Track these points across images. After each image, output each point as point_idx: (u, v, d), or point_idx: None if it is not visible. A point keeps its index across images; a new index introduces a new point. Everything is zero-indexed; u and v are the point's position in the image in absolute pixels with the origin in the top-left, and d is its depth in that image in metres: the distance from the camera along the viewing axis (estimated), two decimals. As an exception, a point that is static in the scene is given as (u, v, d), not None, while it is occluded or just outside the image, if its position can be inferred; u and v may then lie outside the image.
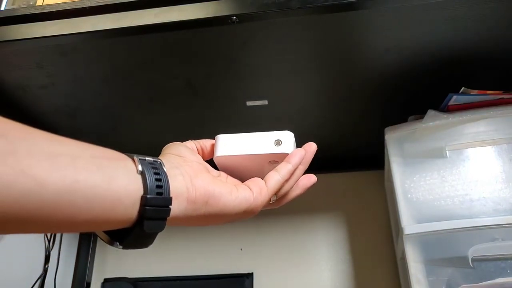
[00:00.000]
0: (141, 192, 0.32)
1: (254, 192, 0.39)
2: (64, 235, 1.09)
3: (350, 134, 0.96)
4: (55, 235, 1.05)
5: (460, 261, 0.68)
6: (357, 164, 1.07)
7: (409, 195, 0.73)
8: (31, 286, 0.97)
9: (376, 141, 0.85)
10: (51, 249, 1.04)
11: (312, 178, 0.45)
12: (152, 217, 0.32)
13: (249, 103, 0.82)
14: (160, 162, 0.35)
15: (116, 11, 0.63)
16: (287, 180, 0.41)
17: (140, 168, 0.33)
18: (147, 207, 0.32)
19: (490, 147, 0.72)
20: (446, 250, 0.70)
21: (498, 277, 0.65)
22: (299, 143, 0.44)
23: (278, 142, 0.42)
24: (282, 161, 0.42)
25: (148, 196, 0.32)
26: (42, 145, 0.27)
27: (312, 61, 0.72)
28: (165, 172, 0.34)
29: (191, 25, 0.62)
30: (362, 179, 1.08)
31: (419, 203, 0.72)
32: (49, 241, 1.04)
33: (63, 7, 0.63)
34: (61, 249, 1.07)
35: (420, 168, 0.74)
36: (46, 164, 0.27)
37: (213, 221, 0.38)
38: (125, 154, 0.34)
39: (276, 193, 0.41)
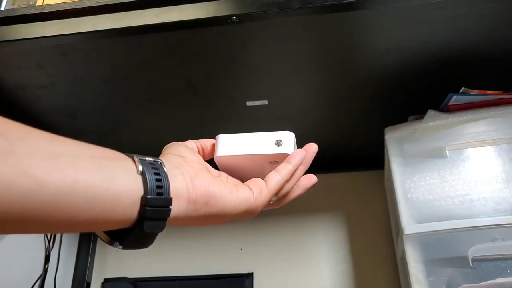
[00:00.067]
0: (141, 192, 0.32)
1: (254, 193, 0.39)
2: (64, 235, 1.09)
3: (350, 134, 0.96)
4: (55, 235, 1.05)
5: (460, 261, 0.68)
6: (357, 164, 1.07)
7: (409, 195, 0.73)
8: (31, 286, 0.97)
9: (376, 141, 0.85)
10: (51, 249, 1.04)
11: (312, 179, 0.45)
12: (152, 218, 0.32)
13: (249, 103, 0.82)
14: (160, 162, 0.35)
15: (116, 11, 0.63)
16: (287, 181, 0.41)
17: (140, 168, 0.33)
18: (147, 208, 0.32)
19: (490, 147, 0.72)
20: (446, 250, 0.70)
21: (498, 277, 0.65)
22: (299, 143, 0.44)
23: (278, 143, 0.42)
24: (282, 161, 0.42)
25: (148, 196, 0.32)
26: (42, 145, 0.27)
27: (312, 61, 0.72)
28: (165, 173, 0.34)
29: (191, 25, 0.62)
30: (362, 179, 1.08)
31: (419, 203, 0.72)
32: (49, 241, 1.04)
33: (63, 7, 0.63)
34: (61, 249, 1.07)
35: (420, 168, 0.74)
36: (46, 164, 0.27)
37: (213, 221, 0.38)
38: (126, 154, 0.34)
39: (276, 194, 0.41)
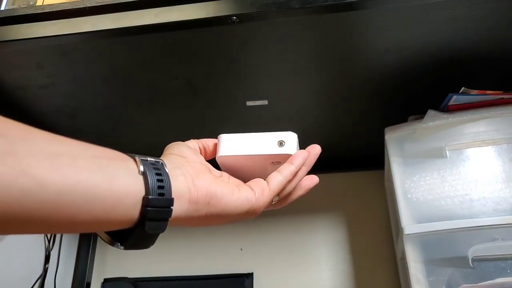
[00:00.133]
0: (142, 192, 0.32)
1: (256, 193, 0.38)
2: (64, 235, 1.09)
3: (350, 134, 0.96)
4: (55, 235, 1.05)
5: (460, 261, 0.68)
6: (357, 164, 1.07)
7: (409, 195, 0.73)
8: (31, 286, 0.97)
9: (376, 141, 0.85)
10: (51, 249, 1.04)
11: (314, 179, 0.45)
12: (153, 218, 0.32)
13: (249, 103, 0.82)
14: (161, 163, 0.35)
15: (116, 11, 0.63)
16: (289, 181, 0.41)
17: (141, 168, 0.33)
18: (148, 208, 0.32)
19: (490, 147, 0.72)
20: (446, 250, 0.70)
21: (498, 277, 0.65)
22: (299, 143, 0.44)
23: (281, 143, 0.42)
24: (284, 162, 0.42)
25: (149, 197, 0.32)
26: (42, 144, 0.27)
27: (312, 61, 0.72)
28: (166, 173, 0.34)
29: (191, 25, 0.62)
30: (362, 179, 1.08)
31: (419, 203, 0.72)
32: (49, 241, 1.04)
33: (63, 7, 0.63)
34: (61, 249, 1.07)
35: (420, 168, 0.74)
36: (46, 164, 0.26)
37: (215, 221, 0.37)
38: (127, 155, 0.34)
39: (278, 194, 0.41)
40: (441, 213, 0.69)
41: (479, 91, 0.72)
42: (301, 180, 0.43)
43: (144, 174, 0.32)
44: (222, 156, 0.43)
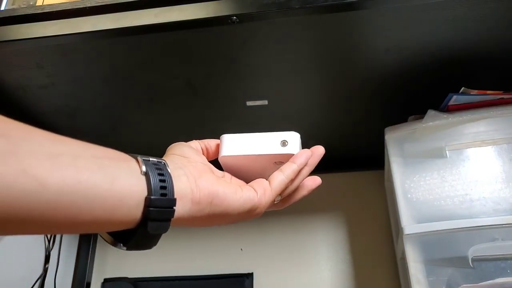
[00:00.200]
0: (145, 193, 0.32)
1: (258, 193, 0.38)
2: (64, 235, 1.09)
3: (350, 134, 0.96)
4: (55, 235, 1.05)
5: (460, 261, 0.68)
6: (357, 164, 1.07)
7: (409, 195, 0.73)
8: (31, 286, 0.97)
9: (376, 141, 0.85)
10: (51, 249, 1.04)
11: (317, 180, 0.45)
12: (156, 218, 0.32)
13: (249, 103, 0.82)
14: (164, 163, 0.35)
15: (116, 11, 0.62)
16: (292, 180, 0.41)
17: (144, 168, 0.32)
18: (151, 208, 0.31)
19: (490, 147, 0.72)
20: (446, 250, 0.70)
21: (498, 277, 0.65)
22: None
23: (284, 143, 0.42)
24: (287, 162, 0.42)
25: (152, 197, 0.32)
26: (43, 145, 0.27)
27: (312, 61, 0.72)
28: (169, 173, 0.34)
29: (191, 25, 0.62)
30: (362, 179, 1.08)
31: (419, 203, 0.72)
32: (49, 241, 1.04)
33: (63, 7, 0.63)
34: (61, 249, 1.07)
35: (420, 168, 0.74)
36: (47, 164, 0.26)
37: (217, 221, 0.37)
38: (129, 155, 0.34)
39: (280, 194, 0.41)
40: (441, 213, 0.69)
41: (479, 91, 0.72)
42: (303, 179, 0.43)
43: (146, 174, 0.32)
44: (225, 156, 0.43)
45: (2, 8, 0.73)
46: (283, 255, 1.05)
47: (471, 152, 0.72)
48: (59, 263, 1.06)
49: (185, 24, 0.61)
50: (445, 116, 0.74)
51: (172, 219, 0.33)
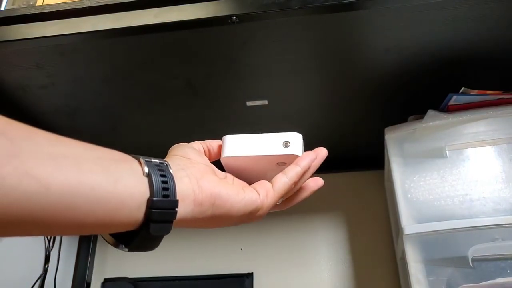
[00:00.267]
0: (147, 194, 0.32)
1: (260, 195, 0.38)
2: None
3: (350, 134, 0.96)
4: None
5: (460, 261, 0.68)
6: (357, 164, 1.07)
7: (409, 195, 0.73)
8: (31, 286, 0.97)
9: (376, 141, 0.85)
10: (51, 249, 1.04)
11: (319, 182, 0.45)
12: (158, 220, 0.32)
13: (249, 103, 0.81)
14: (166, 164, 0.35)
15: (116, 11, 0.62)
16: (295, 183, 0.40)
17: (146, 170, 0.32)
18: (153, 210, 0.31)
19: (490, 147, 0.72)
20: (446, 250, 0.70)
21: (498, 277, 0.65)
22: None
23: (286, 144, 0.42)
24: (289, 162, 0.41)
25: (154, 198, 0.31)
26: (45, 146, 0.27)
27: (312, 61, 0.72)
28: (171, 174, 0.34)
29: (191, 25, 0.62)
30: (362, 179, 1.08)
31: (419, 203, 0.72)
32: (49, 241, 1.04)
33: (63, 7, 0.63)
34: (61, 249, 1.07)
35: (420, 168, 0.74)
36: (50, 165, 0.26)
37: (219, 223, 0.37)
38: (131, 156, 0.34)
39: (282, 196, 0.41)
40: (441, 213, 0.69)
41: (479, 91, 0.72)
42: (305, 181, 0.43)
43: (148, 175, 0.32)
44: (227, 157, 0.42)
45: (2, 8, 0.73)
46: (283, 255, 1.05)
47: (471, 152, 0.72)
48: (59, 263, 1.06)
49: (185, 24, 0.61)
50: (445, 116, 0.74)
51: (174, 220, 0.33)
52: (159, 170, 0.33)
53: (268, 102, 0.81)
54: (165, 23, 0.61)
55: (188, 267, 1.08)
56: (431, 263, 0.70)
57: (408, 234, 0.70)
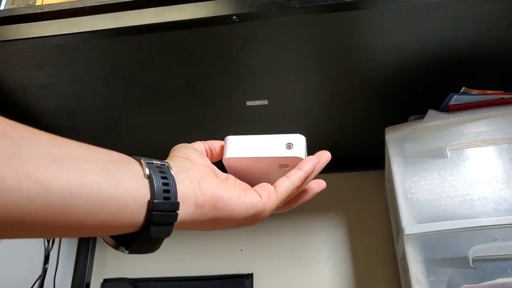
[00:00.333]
0: (148, 196, 0.31)
1: (263, 198, 0.38)
2: (64, 235, 1.09)
3: (350, 134, 0.96)
4: (54, 236, 1.05)
5: (460, 261, 0.68)
6: (357, 164, 1.07)
7: (409, 195, 0.73)
8: (31, 286, 0.97)
9: (376, 141, 0.85)
10: (51, 250, 1.04)
11: (321, 184, 0.45)
12: (159, 223, 0.32)
13: (249, 103, 0.81)
14: (167, 166, 0.35)
15: (115, 10, 0.62)
16: (298, 187, 0.40)
17: (147, 171, 0.32)
18: (154, 212, 0.31)
19: (490, 147, 0.72)
20: (447, 250, 0.70)
21: (498, 278, 0.65)
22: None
23: (289, 146, 0.41)
24: (292, 164, 0.41)
25: (155, 201, 0.31)
26: (46, 147, 0.27)
27: (312, 61, 0.72)
28: (172, 176, 0.34)
29: (190, 24, 0.61)
30: (362, 179, 1.08)
31: (419, 203, 0.72)
32: (48, 241, 1.04)
33: (62, 6, 0.63)
34: (61, 249, 1.07)
35: (421, 168, 0.74)
36: (51, 167, 0.26)
37: (220, 225, 0.37)
38: (132, 157, 0.34)
39: (284, 199, 0.40)
40: (441, 213, 0.69)
41: (479, 91, 0.72)
42: (307, 184, 0.43)
43: (149, 177, 0.32)
44: (229, 158, 0.42)
45: (2, 8, 0.72)
46: (283, 255, 1.05)
47: (471, 152, 0.72)
48: (59, 263, 1.05)
49: (184, 23, 0.61)
50: (445, 116, 0.74)
51: (175, 223, 0.33)
52: (160, 171, 0.33)
53: (268, 102, 0.81)
54: (165, 23, 0.61)
55: (188, 268, 1.08)
56: (432, 263, 0.70)
57: (408, 234, 0.70)
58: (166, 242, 0.35)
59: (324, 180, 0.46)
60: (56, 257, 1.05)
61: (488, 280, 0.65)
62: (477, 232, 0.66)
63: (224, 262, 1.07)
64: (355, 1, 0.57)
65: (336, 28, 0.64)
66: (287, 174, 0.40)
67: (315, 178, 0.43)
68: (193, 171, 0.37)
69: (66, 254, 1.10)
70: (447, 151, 0.73)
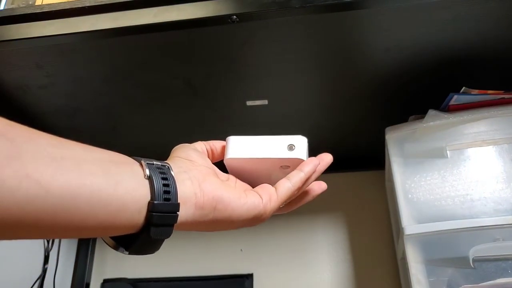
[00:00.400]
0: (148, 197, 0.31)
1: (263, 199, 0.38)
2: (64, 235, 1.09)
3: (350, 134, 0.96)
4: (54, 236, 1.05)
5: (461, 262, 0.68)
6: (357, 164, 1.07)
7: (409, 195, 0.73)
8: (30, 286, 0.97)
9: (377, 141, 0.85)
10: (50, 250, 1.03)
11: (322, 185, 0.45)
12: (159, 224, 0.32)
13: (249, 103, 0.81)
14: (168, 167, 0.35)
15: (115, 10, 0.62)
16: (299, 189, 0.40)
17: (147, 172, 0.32)
18: (154, 213, 0.31)
19: (490, 147, 0.72)
20: (447, 250, 0.70)
21: (499, 278, 0.65)
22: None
23: (291, 147, 0.41)
24: (293, 166, 0.41)
25: (155, 202, 0.31)
26: (46, 148, 0.27)
27: (312, 61, 0.72)
28: (173, 177, 0.34)
29: (190, 24, 0.61)
30: (362, 179, 1.08)
31: (419, 203, 0.72)
32: (48, 242, 1.04)
33: (62, 6, 0.63)
34: (60, 249, 1.07)
35: (421, 168, 0.74)
36: (51, 168, 0.26)
37: (220, 226, 0.37)
38: (133, 158, 0.34)
39: (285, 200, 0.40)
40: (441, 213, 0.69)
41: (479, 90, 0.72)
42: (308, 185, 0.43)
43: (150, 178, 0.32)
44: (230, 158, 0.42)
45: (1, 7, 0.72)
46: (283, 255, 1.05)
47: (471, 152, 0.72)
48: (58, 263, 1.05)
49: (184, 23, 0.61)
50: (445, 116, 0.74)
51: (175, 224, 0.33)
52: (161, 172, 0.33)
53: (268, 102, 0.81)
54: (165, 23, 0.61)
55: (188, 268, 1.08)
56: (432, 263, 0.70)
57: (408, 235, 0.70)
58: (166, 242, 0.35)
59: (325, 180, 0.46)
60: (56, 257, 1.05)
61: (489, 280, 0.65)
62: (478, 232, 0.66)
63: (224, 262, 1.07)
64: (355, 1, 0.57)
65: (336, 28, 0.64)
66: (288, 175, 0.40)
67: (316, 179, 0.43)
68: (193, 172, 0.36)
69: (66, 254, 1.10)
70: (447, 151, 0.73)
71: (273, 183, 0.40)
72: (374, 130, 0.84)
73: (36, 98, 0.80)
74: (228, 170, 0.43)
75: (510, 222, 0.64)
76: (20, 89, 0.77)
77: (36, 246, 1.02)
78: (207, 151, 0.43)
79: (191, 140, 0.44)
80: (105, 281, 1.10)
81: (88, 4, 0.62)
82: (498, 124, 0.72)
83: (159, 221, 0.32)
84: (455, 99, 0.73)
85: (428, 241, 0.70)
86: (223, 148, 0.43)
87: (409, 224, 0.70)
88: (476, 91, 0.72)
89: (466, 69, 0.74)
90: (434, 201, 0.70)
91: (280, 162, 0.42)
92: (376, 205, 1.04)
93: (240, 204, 0.36)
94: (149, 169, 0.32)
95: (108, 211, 0.29)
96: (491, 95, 0.72)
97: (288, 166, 0.42)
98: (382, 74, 0.74)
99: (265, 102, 0.81)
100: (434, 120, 0.74)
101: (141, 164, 0.33)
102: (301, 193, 0.43)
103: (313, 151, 0.44)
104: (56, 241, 1.06)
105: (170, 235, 0.33)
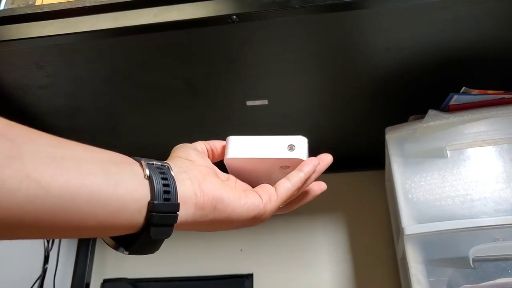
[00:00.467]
0: (148, 197, 0.31)
1: (263, 199, 0.38)
2: (64, 235, 1.09)
3: (350, 134, 0.96)
4: (54, 236, 1.05)
5: (461, 262, 0.68)
6: (357, 164, 1.07)
7: (409, 195, 0.73)
8: (30, 286, 0.97)
9: (377, 141, 0.85)
10: (50, 250, 1.03)
11: (322, 186, 0.45)
12: (159, 224, 0.32)
13: (249, 103, 0.81)
14: (168, 167, 0.35)
15: (115, 10, 0.62)
16: (298, 189, 0.40)
17: (147, 172, 0.32)
18: (154, 213, 0.31)
19: (490, 147, 0.72)
20: (447, 250, 0.70)
21: (499, 278, 0.65)
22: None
23: (291, 147, 0.41)
24: (293, 166, 0.41)
25: (155, 202, 0.31)
26: (47, 148, 0.27)
27: (312, 61, 0.72)
28: (173, 177, 0.34)
29: (190, 24, 0.61)
30: (362, 179, 1.08)
31: (419, 203, 0.72)
32: (48, 242, 1.04)
33: (62, 6, 0.63)
34: (60, 249, 1.07)
35: (421, 168, 0.74)
36: (51, 168, 0.26)
37: (220, 227, 0.37)
38: (133, 158, 0.34)
39: (285, 201, 0.40)
40: (441, 213, 0.69)
41: (480, 90, 0.72)
42: (308, 185, 0.43)
43: (149, 178, 0.32)
44: (231, 158, 0.42)
45: (1, 7, 0.72)
46: (283, 255, 1.05)
47: (471, 152, 0.72)
48: (58, 263, 1.05)
49: (184, 23, 0.61)
50: (445, 116, 0.74)
51: (175, 224, 0.33)
52: (161, 172, 0.33)
53: (268, 102, 0.81)
54: (165, 23, 0.61)
55: (188, 268, 1.08)
56: (432, 263, 0.70)
57: (408, 235, 0.70)
58: (166, 242, 0.35)
59: (325, 180, 0.46)
60: (56, 257, 1.05)
61: (489, 280, 0.65)
62: (478, 232, 0.66)
63: (224, 262, 1.07)
64: (355, 1, 0.57)
65: (336, 28, 0.64)
66: (287, 176, 0.40)
67: (316, 179, 0.43)
68: (193, 172, 0.36)
69: (66, 254, 1.10)
70: (447, 151, 0.73)
71: (273, 183, 0.40)
72: (374, 130, 0.84)
73: (36, 98, 0.80)
74: (228, 170, 0.43)
75: (510, 222, 0.64)
76: (20, 89, 0.77)
77: (36, 246, 1.02)
78: (207, 151, 0.43)
79: (191, 140, 0.44)
80: (105, 281, 1.10)
81: (88, 4, 0.62)
82: (498, 124, 0.72)
83: (159, 221, 0.32)
84: (455, 99, 0.73)
85: (428, 241, 0.70)
86: (223, 148, 0.43)
87: (409, 224, 0.71)
88: (476, 91, 0.72)
89: (466, 69, 0.74)
90: (434, 201, 0.70)
91: (280, 162, 0.42)
92: (376, 205, 1.04)
93: (240, 204, 0.36)
94: (149, 169, 0.32)
95: (108, 211, 0.29)
96: (491, 95, 0.72)
97: (288, 166, 0.42)
98: (382, 74, 0.74)
99: (265, 102, 0.81)
100: (434, 120, 0.74)
101: (141, 164, 0.33)
102: (301, 193, 0.43)
103: (313, 151, 0.44)
104: (56, 241, 1.06)
105: (170, 235, 0.33)
